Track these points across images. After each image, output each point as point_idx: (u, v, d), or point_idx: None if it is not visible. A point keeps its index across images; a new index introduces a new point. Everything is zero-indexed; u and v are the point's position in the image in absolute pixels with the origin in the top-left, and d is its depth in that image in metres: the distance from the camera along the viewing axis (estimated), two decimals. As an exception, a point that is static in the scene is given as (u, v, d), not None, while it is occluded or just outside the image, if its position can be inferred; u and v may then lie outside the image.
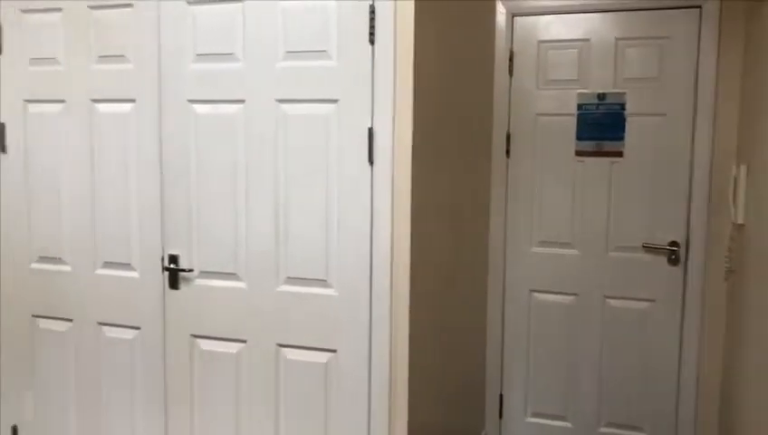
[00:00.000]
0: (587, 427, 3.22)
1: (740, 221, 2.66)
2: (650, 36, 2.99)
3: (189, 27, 2.29)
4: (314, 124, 2.19)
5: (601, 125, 3.07)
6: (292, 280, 2.27)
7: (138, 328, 2.47)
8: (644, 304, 3.09)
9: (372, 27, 2.08)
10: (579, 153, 3.13)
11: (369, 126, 2.12)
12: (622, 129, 3.05)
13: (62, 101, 2.49)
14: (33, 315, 2.62)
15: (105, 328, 2.53)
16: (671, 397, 3.08)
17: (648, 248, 3.06)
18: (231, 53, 2.25)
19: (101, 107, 2.44)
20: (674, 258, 3.02)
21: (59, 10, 2.45)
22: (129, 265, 2.46)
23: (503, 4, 3.14)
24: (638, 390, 3.13)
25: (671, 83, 2.98)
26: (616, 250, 3.12)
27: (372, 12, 2.08)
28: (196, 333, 2.39)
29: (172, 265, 2.39)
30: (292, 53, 2.18)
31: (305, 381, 2.28)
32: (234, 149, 2.28)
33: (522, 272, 3.26)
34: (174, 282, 2.40)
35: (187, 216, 2.36)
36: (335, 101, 2.15)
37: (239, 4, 2.22)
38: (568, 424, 3.26)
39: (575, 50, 3.10)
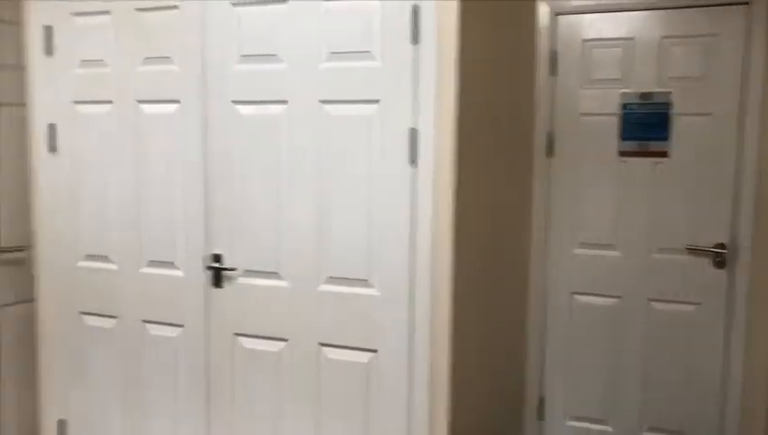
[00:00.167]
0: (628, 431, 3.17)
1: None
2: (697, 34, 2.93)
3: (234, 29, 2.31)
4: (356, 125, 2.19)
5: (646, 125, 3.02)
6: (333, 280, 2.28)
7: (181, 326, 2.51)
8: (688, 308, 3.03)
9: (415, 27, 2.08)
10: (622, 153, 3.08)
11: (411, 126, 2.12)
12: (667, 128, 2.99)
13: (110, 102, 2.53)
14: (81, 312, 2.68)
15: (149, 326, 2.57)
16: (715, 402, 3.02)
17: (693, 250, 3.00)
18: (274, 54, 2.27)
19: (147, 108, 2.48)
20: (719, 261, 2.96)
21: (107, 13, 2.50)
22: (173, 263, 2.50)
23: (546, 2, 3.11)
24: (681, 394, 3.07)
25: (718, 82, 2.91)
26: (659, 252, 3.06)
27: (415, 12, 2.07)
28: (239, 332, 2.42)
29: (216, 264, 2.42)
30: (335, 54, 2.19)
31: (346, 381, 2.29)
32: (276, 149, 2.30)
33: (563, 273, 3.22)
34: (217, 280, 2.43)
35: (231, 215, 2.39)
36: (377, 101, 2.15)
37: (283, 6, 2.24)
38: (609, 428, 3.21)
39: (619, 49, 3.05)
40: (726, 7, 2.88)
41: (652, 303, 3.09)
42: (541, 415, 3.32)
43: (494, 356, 2.74)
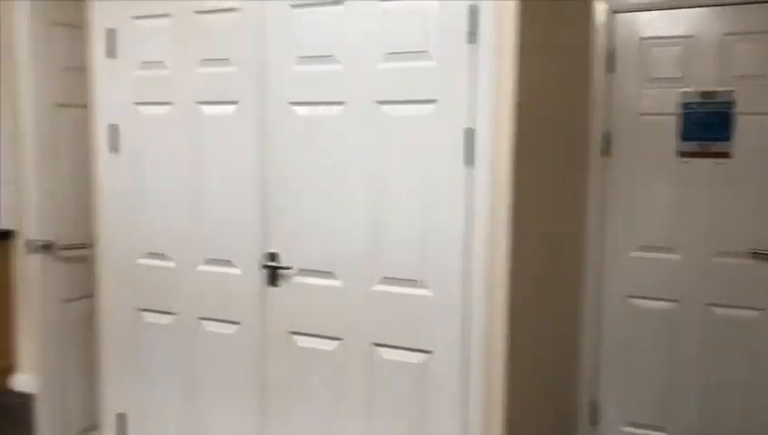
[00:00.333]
0: (686, 439, 3.10)
1: None
2: (761, 30, 2.84)
3: (292, 30, 2.33)
4: (412, 125, 2.19)
5: (707, 125, 2.94)
6: (387, 280, 2.28)
7: (237, 323, 2.54)
8: (751, 313, 2.94)
9: (473, 27, 2.06)
10: (682, 154, 3.00)
11: (468, 126, 2.11)
12: (729, 128, 2.91)
13: (170, 104, 2.59)
14: (139, 309, 2.74)
15: (206, 323, 2.61)
16: (779, 412, 2.92)
17: (757, 254, 2.90)
18: (331, 56, 2.28)
19: (206, 109, 2.52)
20: (785, 265, 2.86)
21: (168, 15, 2.55)
22: (230, 262, 2.54)
23: (603, 0, 3.06)
24: (742, 402, 2.98)
25: (785, 80, 2.82)
26: (720, 256, 2.98)
27: (473, 11, 2.06)
28: (294, 330, 2.44)
29: (271, 263, 2.44)
30: (392, 55, 2.19)
31: (400, 381, 2.29)
32: (332, 149, 2.31)
33: (619, 276, 3.16)
34: (273, 279, 2.45)
35: (287, 214, 2.41)
36: (434, 101, 2.15)
37: (340, 7, 2.25)
38: (665, 435, 3.14)
39: (679, 47, 2.97)
40: (794, 3, 2.78)
41: (712, 308, 3.00)
42: (594, 420, 3.27)
43: (548, 359, 2.70)
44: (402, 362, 2.28)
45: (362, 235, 2.29)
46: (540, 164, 2.40)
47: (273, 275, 2.45)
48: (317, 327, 2.40)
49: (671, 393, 3.11)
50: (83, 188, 2.96)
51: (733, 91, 2.90)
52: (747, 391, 2.96)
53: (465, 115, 2.10)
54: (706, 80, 2.94)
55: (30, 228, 2.81)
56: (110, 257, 2.77)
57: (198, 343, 2.63)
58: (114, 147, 2.71)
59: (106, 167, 2.74)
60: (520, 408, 2.33)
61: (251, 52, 2.41)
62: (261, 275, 2.47)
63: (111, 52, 2.67)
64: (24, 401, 4.04)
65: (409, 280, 2.24)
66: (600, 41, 3.08)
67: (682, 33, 2.97)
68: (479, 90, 2.08)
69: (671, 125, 3.01)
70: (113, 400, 2.84)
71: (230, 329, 2.56)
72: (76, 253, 2.97)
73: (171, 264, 2.65)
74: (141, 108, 2.65)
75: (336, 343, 2.37)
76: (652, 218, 3.08)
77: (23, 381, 4.22)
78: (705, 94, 2.94)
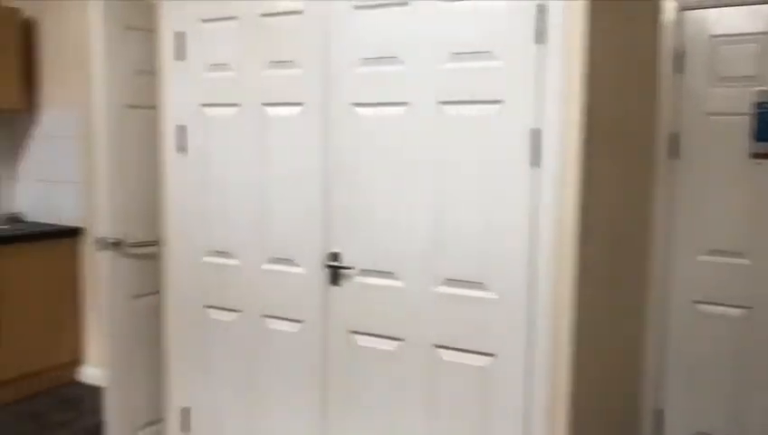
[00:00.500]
0: (756, 451, 2.98)
1: None
2: (842, 27, 2.72)
3: (356, 32, 2.35)
4: (477, 125, 2.18)
5: (782, 125, 2.83)
6: (449, 281, 2.27)
7: (299, 321, 2.57)
8: (828, 322, 2.82)
9: (540, 27, 2.04)
10: (755, 155, 2.89)
11: (534, 127, 2.08)
12: (806, 129, 2.79)
13: (236, 105, 2.64)
14: (205, 305, 2.80)
15: (269, 320, 2.65)
16: None
17: (835, 260, 2.78)
18: (395, 57, 2.28)
19: (271, 110, 2.56)
20: None
21: (234, 18, 2.60)
22: (292, 261, 2.57)
23: (671, -3, 2.98)
24: (818, 415, 2.86)
25: None
26: (795, 261, 2.86)
27: (541, 11, 2.03)
28: (355, 330, 2.45)
29: (334, 263, 2.47)
30: (456, 55, 2.18)
31: (461, 384, 2.27)
32: (395, 150, 2.32)
33: (685, 281, 3.07)
34: (335, 279, 2.47)
35: (349, 215, 2.43)
36: (499, 102, 2.13)
37: (405, 8, 2.25)
38: (734, 446, 3.03)
39: (753, 44, 2.87)
40: None
41: (786, 315, 2.89)
42: (658, 429, 3.18)
43: (612, 365, 2.64)
44: (464, 365, 2.27)
45: (425, 236, 2.29)
46: (606, 165, 2.35)
47: (335, 274, 2.47)
48: (378, 327, 2.41)
49: (740, 403, 3.00)
50: (151, 188, 3.05)
51: (810, 91, 2.78)
52: (823, 403, 2.84)
53: (531, 116, 2.08)
54: (782, 78, 2.83)
55: (101, 226, 2.90)
56: (177, 255, 2.84)
57: (261, 341, 2.68)
58: (182, 147, 2.78)
59: (174, 167, 2.81)
60: (584, 414, 2.28)
61: (315, 53, 2.43)
62: (323, 275, 2.50)
63: (180, 54, 2.73)
64: (92, 392, 4.18)
65: (472, 282, 2.23)
66: (668, 39, 3.00)
67: (757, 30, 2.86)
68: (546, 90, 2.05)
69: (743, 126, 2.91)
70: (178, 394, 2.91)
71: (293, 327, 2.60)
72: (144, 250, 3.05)
73: (236, 262, 2.71)
74: (208, 109, 2.71)
75: (397, 343, 2.38)
76: (722, 222, 2.98)
77: (90, 373, 4.37)
78: (781, 93, 2.83)
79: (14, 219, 4.54)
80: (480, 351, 2.24)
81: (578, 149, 2.04)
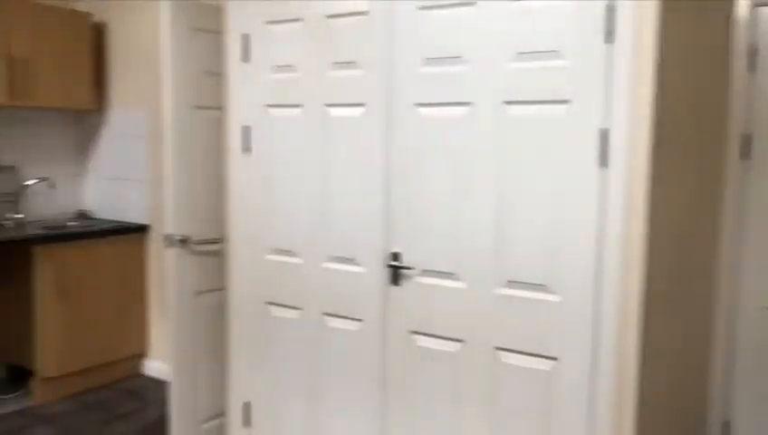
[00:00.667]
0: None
1: None
2: None
3: (419, 32, 2.35)
4: (542, 125, 2.15)
5: None
6: (512, 283, 2.25)
7: (360, 320, 2.59)
8: None
9: (610, 25, 2.00)
10: (834, 158, 2.77)
11: (602, 127, 2.04)
12: None
13: (299, 106, 2.67)
14: (267, 302, 2.85)
15: (329, 318, 2.68)
16: None
17: None
18: (459, 56, 2.27)
19: (334, 111, 2.59)
20: None
21: (299, 20, 2.63)
22: (353, 260, 2.59)
23: (744, -6, 2.88)
24: None
25: None
26: None
27: (610, 9, 1.99)
28: (415, 330, 2.45)
29: (394, 262, 2.47)
30: (522, 54, 2.16)
31: (523, 387, 2.25)
32: (458, 150, 2.31)
33: (757, 285, 2.96)
34: (395, 278, 2.48)
35: (410, 215, 2.43)
36: (565, 101, 2.10)
37: (470, 8, 2.24)
38: (808, 461, 2.91)
39: (833, 41, 2.75)
40: None
41: None
42: (726, 439, 3.08)
43: (679, 373, 2.57)
44: (526, 368, 2.24)
45: (487, 237, 2.27)
46: (676, 165, 2.29)
47: (396, 274, 2.48)
48: (438, 328, 2.40)
49: (815, 416, 2.88)
50: (216, 186, 3.11)
51: None
52: None
53: (599, 115, 2.04)
54: None
55: (168, 224, 2.98)
56: (240, 253, 2.90)
57: (322, 339, 2.70)
58: (246, 147, 2.83)
59: (238, 166, 2.86)
60: (650, 422, 2.23)
61: (379, 54, 2.44)
62: (384, 274, 2.51)
63: (246, 56, 2.79)
64: (155, 385, 4.30)
65: (536, 284, 2.20)
66: (740, 37, 2.90)
67: (835, 27, 2.74)
68: (615, 90, 2.01)
69: (821, 126, 2.79)
70: (240, 389, 2.97)
71: (353, 326, 2.61)
72: (209, 247, 3.12)
73: (298, 260, 2.74)
74: (272, 110, 2.75)
75: (458, 344, 2.37)
76: (797, 226, 2.87)
77: (153, 366, 4.49)
78: None
79: (83, 216, 4.71)
80: (542, 354, 2.21)
81: (647, 150, 1.99)
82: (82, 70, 4.35)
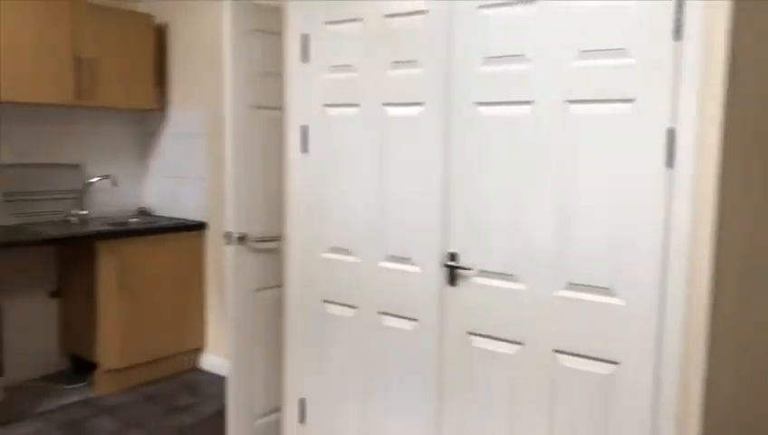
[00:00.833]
0: None
1: None
2: None
3: (480, 30, 2.33)
4: (605, 125, 2.10)
5: None
6: (573, 286, 2.21)
7: (415, 320, 2.59)
8: None
9: (679, 22, 1.94)
10: None
11: (669, 127, 1.99)
12: None
13: (357, 105, 2.68)
14: (323, 300, 2.87)
15: (385, 318, 2.68)
16: None
17: None
18: (521, 55, 2.25)
19: (392, 110, 2.59)
20: None
21: (358, 20, 2.64)
22: (410, 259, 2.58)
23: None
24: None
25: None
26: None
27: (680, 6, 1.94)
28: (472, 331, 2.44)
29: (451, 263, 2.46)
30: (585, 53, 2.12)
31: (583, 391, 2.21)
32: (518, 150, 2.28)
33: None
34: (452, 279, 2.47)
35: (468, 215, 2.41)
36: (630, 100, 2.05)
37: (532, 6, 2.21)
38: None
39: None
40: None
41: None
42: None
43: (749, 382, 2.49)
44: (586, 372, 2.20)
45: (548, 238, 2.24)
46: (745, 167, 2.21)
47: (453, 274, 2.47)
48: (496, 330, 2.38)
49: None
50: (274, 185, 3.16)
51: None
52: None
53: (666, 115, 1.99)
54: None
55: (228, 222, 3.03)
56: (298, 251, 2.93)
57: (378, 337, 2.71)
58: (304, 147, 2.86)
59: (296, 165, 2.89)
60: (716, 432, 2.16)
61: (438, 53, 2.43)
62: (440, 274, 2.50)
63: (305, 56, 2.81)
64: (212, 379, 4.39)
65: (598, 287, 2.16)
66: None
67: None
68: (683, 88, 1.95)
69: None
70: (295, 385, 3.00)
71: (409, 325, 2.61)
72: (267, 245, 3.17)
73: (354, 259, 2.75)
74: (330, 109, 2.77)
75: (516, 347, 2.34)
76: None
77: (209, 361, 4.58)
78: None
79: (143, 213, 4.84)
80: (603, 358, 2.17)
81: (716, 150, 1.93)
82: (145, 70, 4.47)
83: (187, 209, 4.62)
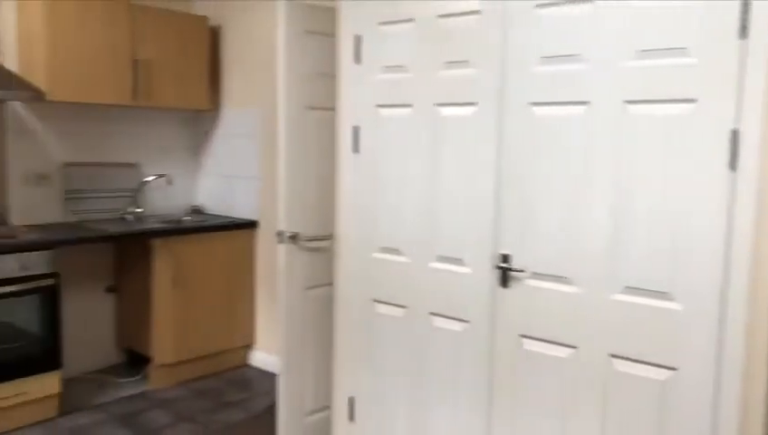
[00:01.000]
0: None
1: None
2: None
3: (535, 30, 2.31)
4: (664, 125, 2.06)
5: None
6: (629, 290, 2.17)
7: (467, 321, 2.57)
8: None
9: (744, 20, 1.89)
10: None
11: (733, 128, 1.93)
12: None
13: (409, 106, 2.68)
14: (373, 300, 2.88)
15: (435, 318, 2.68)
16: None
17: None
18: (577, 54, 2.22)
19: (444, 111, 2.58)
20: None
21: (411, 20, 2.64)
22: (461, 260, 2.57)
23: None
24: None
25: None
26: None
27: (745, 4, 1.88)
28: (524, 334, 2.41)
29: (504, 264, 2.44)
30: (644, 52, 2.08)
31: (638, 397, 2.17)
32: (573, 150, 2.25)
33: None
34: (504, 280, 2.45)
35: (521, 216, 2.39)
36: (692, 100, 2.00)
37: (589, 5, 2.18)
38: None
39: None
40: None
41: None
42: None
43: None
44: (642, 377, 2.16)
45: (604, 241, 2.20)
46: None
47: (505, 276, 2.45)
48: (549, 333, 2.35)
49: None
50: (326, 185, 3.18)
51: None
52: None
53: (729, 116, 1.93)
54: None
55: (280, 220, 3.07)
56: (349, 250, 2.95)
57: (427, 338, 2.71)
58: (356, 147, 2.87)
59: (348, 166, 2.91)
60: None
61: (492, 53, 2.42)
62: (492, 276, 2.48)
63: (357, 57, 2.83)
64: (262, 376, 4.45)
65: (656, 291, 2.11)
66: None
67: None
68: (747, 88, 1.90)
69: None
70: (345, 383, 3.02)
71: (459, 326, 2.60)
72: (318, 244, 3.20)
73: (405, 259, 2.76)
74: (382, 110, 2.78)
75: (569, 350, 2.31)
76: None
77: (259, 358, 4.65)
78: None
79: (197, 211, 4.93)
80: (660, 364, 2.12)
81: (783, 153, 1.87)
82: (200, 71, 4.56)
83: (240, 208, 4.69)
